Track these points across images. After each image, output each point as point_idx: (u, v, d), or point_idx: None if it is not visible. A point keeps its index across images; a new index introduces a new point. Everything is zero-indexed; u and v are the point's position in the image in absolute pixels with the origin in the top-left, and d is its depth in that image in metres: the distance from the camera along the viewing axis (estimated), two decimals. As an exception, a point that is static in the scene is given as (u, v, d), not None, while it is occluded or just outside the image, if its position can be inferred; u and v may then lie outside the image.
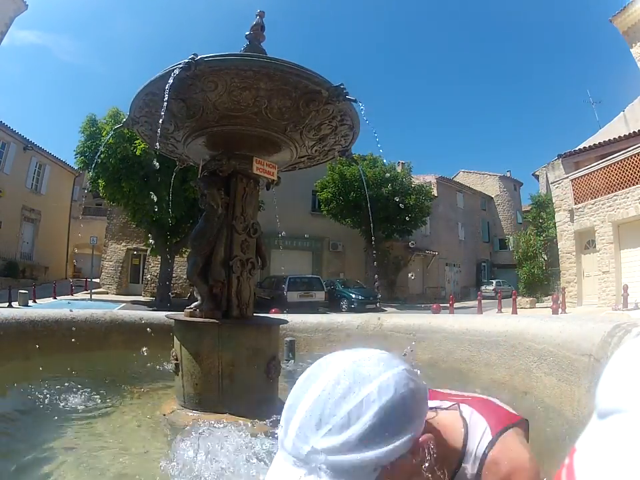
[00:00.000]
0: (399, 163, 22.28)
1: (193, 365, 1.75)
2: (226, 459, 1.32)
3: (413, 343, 2.78)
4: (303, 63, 1.58)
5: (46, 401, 1.84)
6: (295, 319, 3.21)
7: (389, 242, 19.46)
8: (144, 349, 2.28)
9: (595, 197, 12.58)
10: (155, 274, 17.98)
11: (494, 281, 26.18)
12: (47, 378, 2.12)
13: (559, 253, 14.56)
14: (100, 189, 13.38)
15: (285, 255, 17.69)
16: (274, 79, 1.56)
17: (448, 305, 13.51)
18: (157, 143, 1.81)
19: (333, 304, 14.56)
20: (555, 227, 14.89)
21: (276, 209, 2.46)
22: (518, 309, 12.85)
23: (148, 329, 2.63)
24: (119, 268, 20.44)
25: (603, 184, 12.26)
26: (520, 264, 20.00)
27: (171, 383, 2.02)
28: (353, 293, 15.58)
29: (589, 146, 14.93)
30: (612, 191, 11.95)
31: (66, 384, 2.04)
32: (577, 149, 15.42)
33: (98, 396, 1.97)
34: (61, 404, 1.85)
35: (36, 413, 1.74)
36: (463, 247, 27.73)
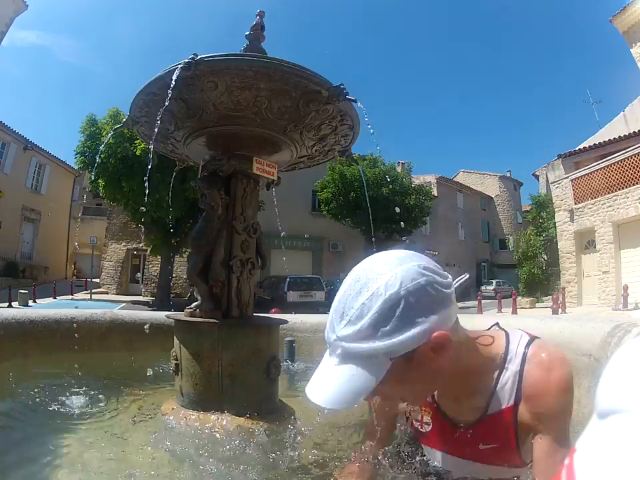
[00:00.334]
0: (398, 163, 22.30)
1: (193, 364, 1.75)
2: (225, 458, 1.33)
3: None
4: (305, 63, 1.58)
5: (45, 401, 1.85)
6: (294, 319, 3.21)
7: (389, 242, 19.49)
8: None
9: (595, 197, 12.59)
10: (155, 274, 17.99)
11: (494, 281, 26.19)
12: (47, 378, 2.13)
13: (559, 253, 14.57)
14: (100, 188, 13.40)
15: (285, 255, 17.68)
16: (274, 79, 1.56)
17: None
18: (157, 143, 1.81)
19: (333, 304, 14.52)
20: (555, 227, 14.90)
21: (276, 209, 2.45)
22: (518, 309, 12.85)
23: (146, 329, 2.63)
24: (119, 268, 20.45)
25: (603, 184, 12.26)
26: (520, 264, 20.03)
27: (171, 383, 2.02)
28: (353, 293, 15.54)
29: (589, 146, 14.94)
30: (612, 191, 11.95)
31: (65, 384, 2.04)
32: (576, 149, 15.43)
33: (97, 396, 1.97)
34: (60, 404, 1.85)
35: (35, 413, 1.74)
36: (463, 247, 27.72)
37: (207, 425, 1.61)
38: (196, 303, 1.90)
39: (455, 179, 32.84)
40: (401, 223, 16.83)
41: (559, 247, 14.60)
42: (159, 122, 1.59)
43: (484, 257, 30.07)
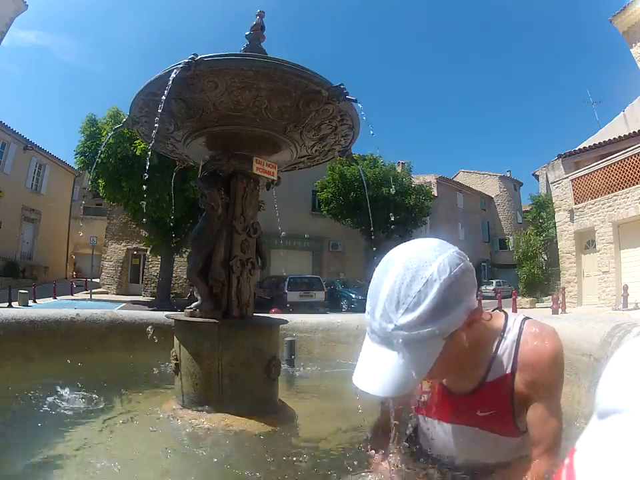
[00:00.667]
0: (399, 163, 22.29)
1: (193, 365, 1.75)
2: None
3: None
4: (305, 62, 1.58)
5: (46, 401, 1.84)
6: (295, 319, 3.21)
7: (389, 242, 19.45)
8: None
9: (595, 197, 12.57)
10: (155, 274, 17.98)
11: (494, 281, 26.16)
12: (47, 377, 2.12)
13: (559, 253, 14.55)
14: (100, 188, 13.38)
15: (285, 255, 17.68)
16: (274, 78, 1.56)
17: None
18: (157, 143, 1.81)
19: (332, 304, 14.55)
20: (555, 227, 14.88)
21: (276, 209, 2.45)
22: (518, 309, 12.83)
23: (148, 329, 2.63)
24: (119, 268, 20.43)
25: (603, 184, 12.25)
26: (520, 264, 20.01)
27: (170, 383, 2.02)
28: (352, 293, 15.55)
29: (589, 146, 14.93)
30: (612, 191, 11.94)
31: (65, 384, 2.04)
32: (576, 149, 15.41)
33: (97, 396, 1.97)
34: (60, 404, 1.85)
35: (35, 413, 1.74)
36: (463, 247, 27.31)
37: (207, 425, 1.61)
38: (196, 303, 1.90)
39: (455, 179, 32.83)
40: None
41: (559, 247, 14.58)
42: (157, 124, 1.59)
43: (484, 256, 30.05)
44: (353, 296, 15.23)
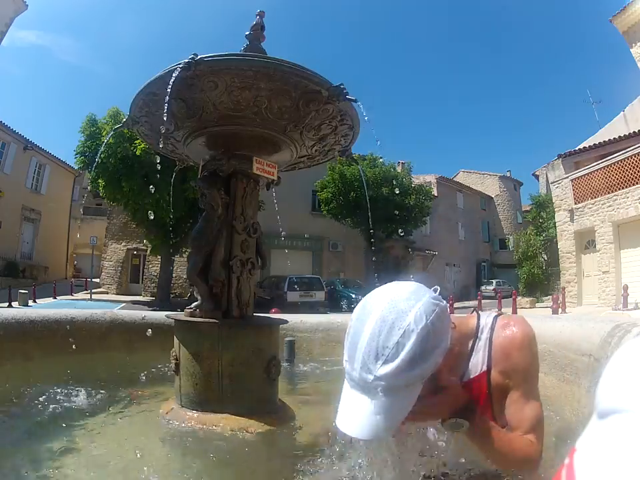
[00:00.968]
0: (399, 163, 22.28)
1: (193, 364, 1.75)
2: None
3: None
4: (305, 62, 1.58)
5: (46, 401, 1.84)
6: (294, 319, 3.21)
7: (389, 242, 19.45)
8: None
9: (595, 197, 12.57)
10: (155, 274, 17.97)
11: (494, 281, 26.15)
12: (47, 377, 2.13)
13: (559, 252, 14.55)
14: (100, 188, 13.37)
15: (285, 255, 17.67)
16: (274, 78, 1.56)
17: (448, 304, 13.48)
18: (160, 144, 1.81)
19: (332, 304, 14.56)
20: (555, 227, 14.88)
21: (276, 209, 2.45)
22: (518, 309, 12.84)
23: (148, 333, 2.63)
24: (119, 268, 20.43)
25: (603, 184, 12.25)
26: (520, 264, 20.01)
27: (170, 383, 2.02)
28: (352, 293, 15.55)
29: (589, 146, 14.93)
30: (612, 191, 11.94)
31: (65, 384, 2.04)
32: (576, 148, 15.41)
33: (97, 396, 1.97)
34: (60, 404, 1.85)
35: (36, 413, 1.74)
36: (463, 246, 27.71)
37: (207, 425, 1.61)
38: (196, 303, 1.90)
39: (454, 179, 32.79)
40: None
41: (559, 247, 14.58)
42: (163, 124, 1.59)
43: (484, 256, 30.04)
44: (353, 296, 15.22)
